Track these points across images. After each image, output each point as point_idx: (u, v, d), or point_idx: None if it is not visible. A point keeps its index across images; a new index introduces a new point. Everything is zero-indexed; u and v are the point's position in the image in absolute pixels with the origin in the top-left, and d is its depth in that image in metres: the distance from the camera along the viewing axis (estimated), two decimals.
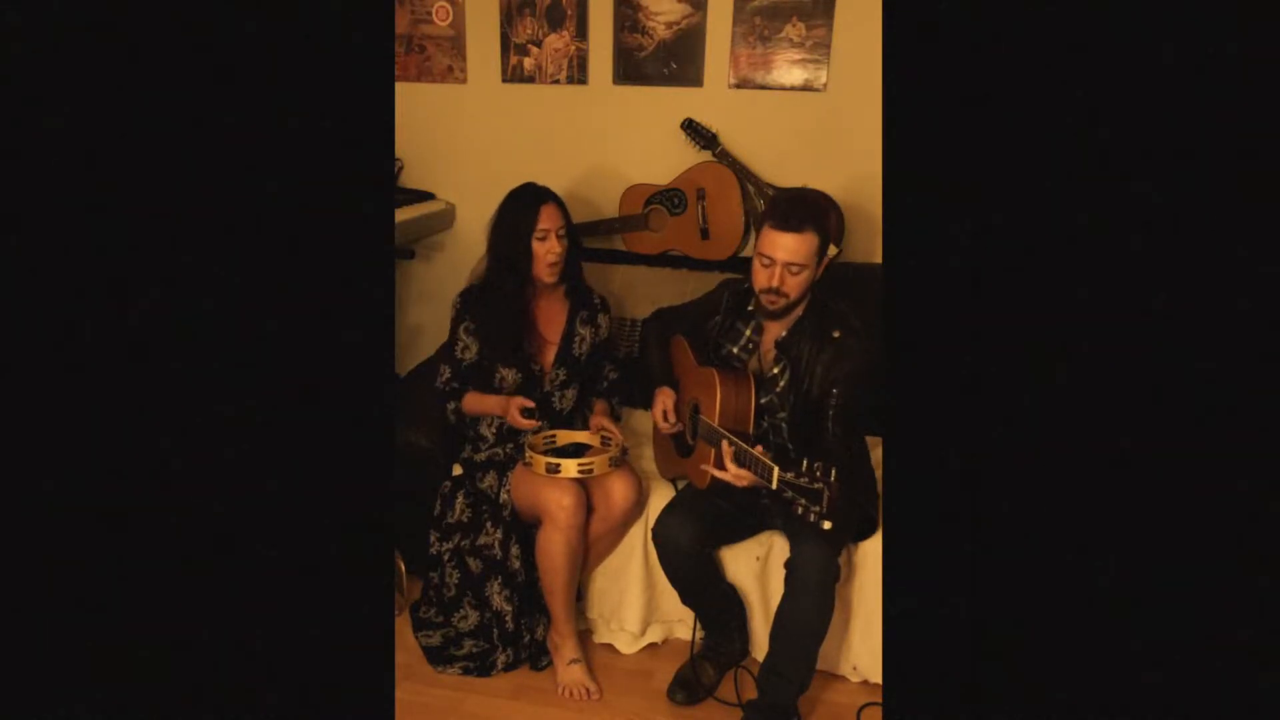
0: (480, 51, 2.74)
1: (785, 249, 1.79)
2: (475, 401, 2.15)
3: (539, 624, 2.13)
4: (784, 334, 1.91)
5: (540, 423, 2.08)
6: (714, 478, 1.87)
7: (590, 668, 2.09)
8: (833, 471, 1.54)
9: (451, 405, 2.16)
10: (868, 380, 1.83)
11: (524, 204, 2.07)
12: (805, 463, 1.57)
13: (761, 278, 1.83)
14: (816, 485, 1.54)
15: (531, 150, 2.76)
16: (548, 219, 2.05)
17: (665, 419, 2.03)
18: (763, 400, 1.90)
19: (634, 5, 2.59)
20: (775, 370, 1.91)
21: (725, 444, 1.73)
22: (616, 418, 2.31)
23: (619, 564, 2.15)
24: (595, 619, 2.23)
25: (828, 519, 1.53)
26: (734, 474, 1.72)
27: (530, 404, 2.04)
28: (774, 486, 1.62)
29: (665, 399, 2.04)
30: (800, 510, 1.56)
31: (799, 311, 1.90)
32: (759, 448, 1.69)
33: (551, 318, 2.20)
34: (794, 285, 1.82)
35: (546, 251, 2.05)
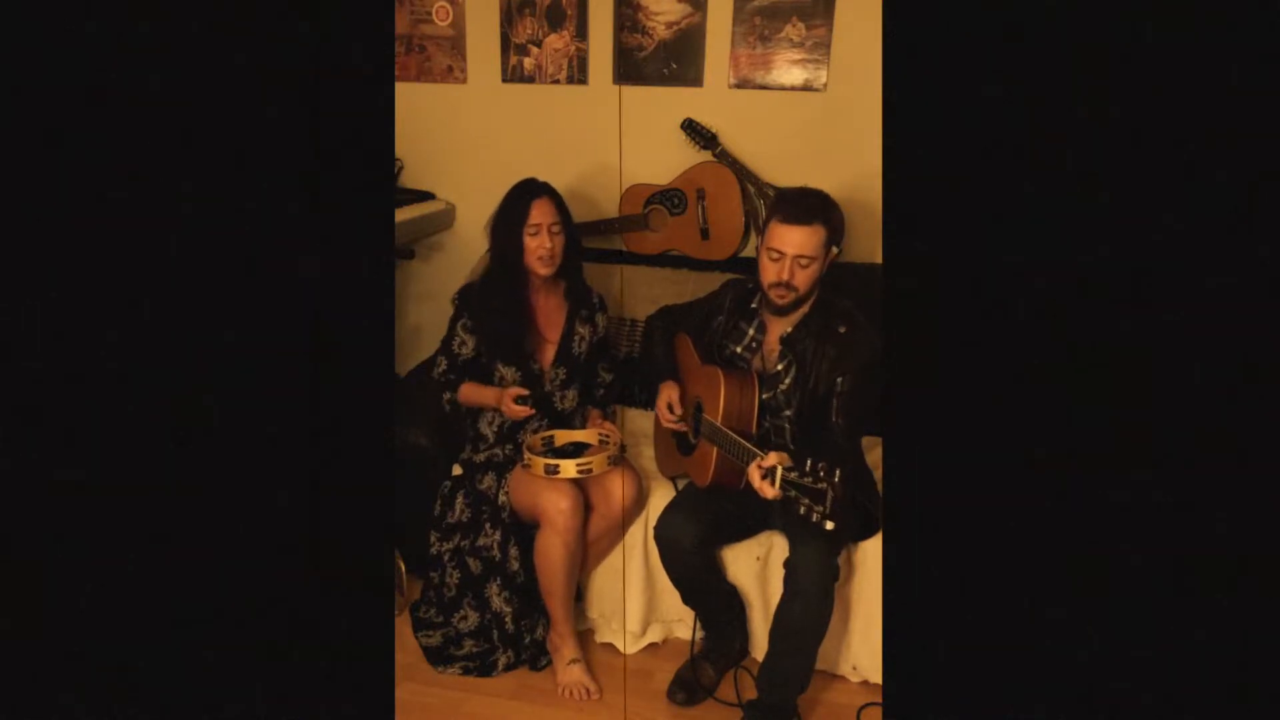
0: (480, 51, 2.74)
1: (794, 243, 1.79)
2: (471, 392, 2.15)
3: (538, 624, 2.13)
4: (789, 330, 1.91)
5: (535, 411, 2.08)
6: (714, 476, 1.87)
7: (590, 668, 2.09)
8: (837, 472, 1.53)
9: (447, 395, 2.16)
10: (872, 374, 1.83)
11: (517, 198, 2.08)
12: (809, 463, 1.57)
13: (770, 272, 1.83)
14: (820, 485, 1.53)
15: (531, 150, 2.76)
16: (539, 213, 2.05)
17: (670, 411, 2.02)
18: (765, 396, 1.90)
19: (634, 5, 2.58)
20: (779, 367, 1.91)
21: (754, 468, 1.68)
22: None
23: (619, 564, 2.15)
24: (595, 619, 2.23)
25: (831, 519, 1.52)
26: (772, 493, 1.65)
27: (524, 392, 2.04)
28: (777, 487, 1.61)
29: (670, 391, 2.04)
30: (803, 510, 1.55)
31: (805, 308, 1.90)
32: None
33: (550, 316, 2.20)
34: (803, 279, 1.82)
35: (537, 246, 2.05)
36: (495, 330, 2.12)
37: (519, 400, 2.02)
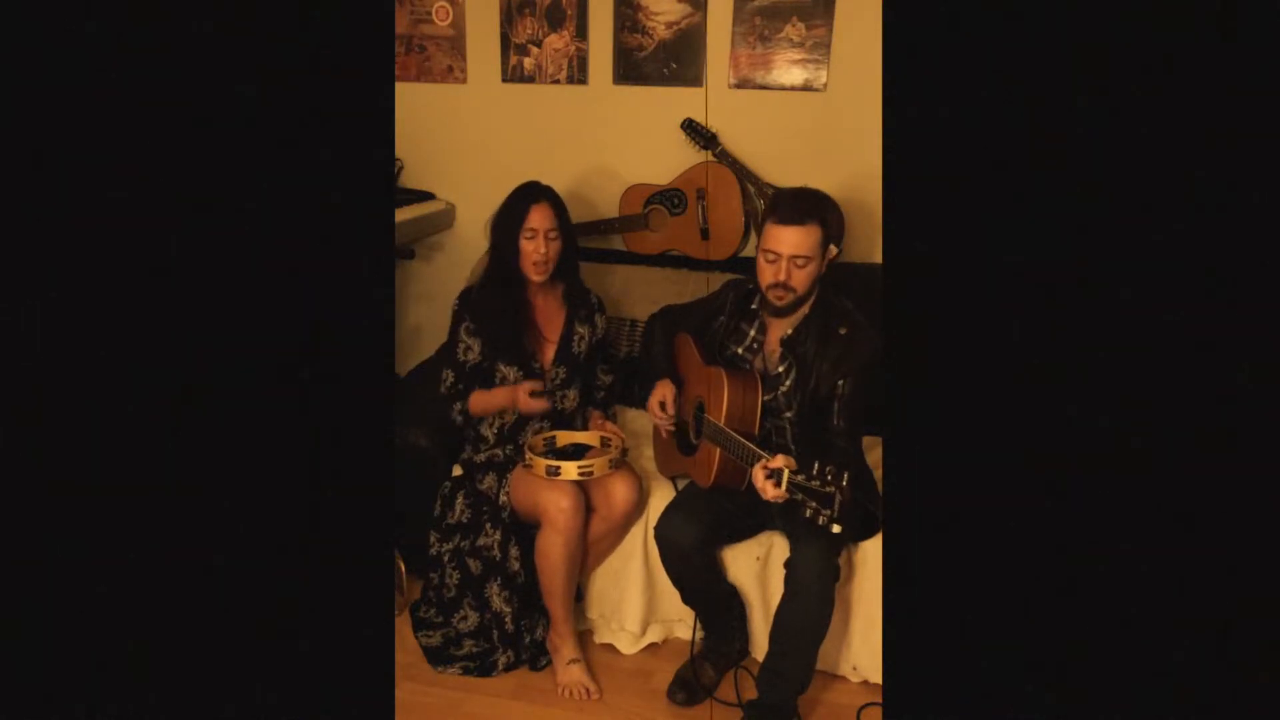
0: (480, 51, 2.74)
1: (789, 243, 1.79)
2: (481, 399, 2.14)
3: (538, 624, 2.13)
4: (789, 332, 1.91)
5: (550, 402, 2.07)
6: (717, 477, 1.87)
7: (590, 668, 2.09)
8: (845, 476, 1.53)
9: (458, 406, 2.15)
10: (873, 375, 1.83)
11: (517, 202, 2.08)
12: (816, 465, 1.56)
13: (768, 274, 1.84)
14: (828, 489, 1.53)
15: (531, 150, 2.76)
16: (537, 219, 2.05)
17: (662, 410, 2.02)
18: (766, 399, 1.90)
19: (634, 5, 2.58)
20: (780, 369, 1.91)
21: (759, 469, 1.67)
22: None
23: (619, 564, 2.15)
24: (595, 619, 2.23)
25: (838, 523, 1.52)
26: (774, 495, 1.64)
27: (538, 385, 2.04)
28: (783, 489, 1.61)
29: (665, 390, 2.03)
30: (809, 514, 1.55)
31: (805, 309, 1.90)
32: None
33: (550, 317, 2.21)
34: (800, 279, 1.82)
35: (533, 250, 2.06)
36: (496, 328, 2.12)
37: (533, 394, 2.02)
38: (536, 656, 2.13)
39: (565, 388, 2.20)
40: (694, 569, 1.98)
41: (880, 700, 1.99)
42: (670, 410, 2.02)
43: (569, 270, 2.19)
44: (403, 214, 2.64)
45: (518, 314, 2.14)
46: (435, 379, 2.20)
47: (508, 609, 2.08)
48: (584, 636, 2.19)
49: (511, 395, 2.07)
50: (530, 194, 2.08)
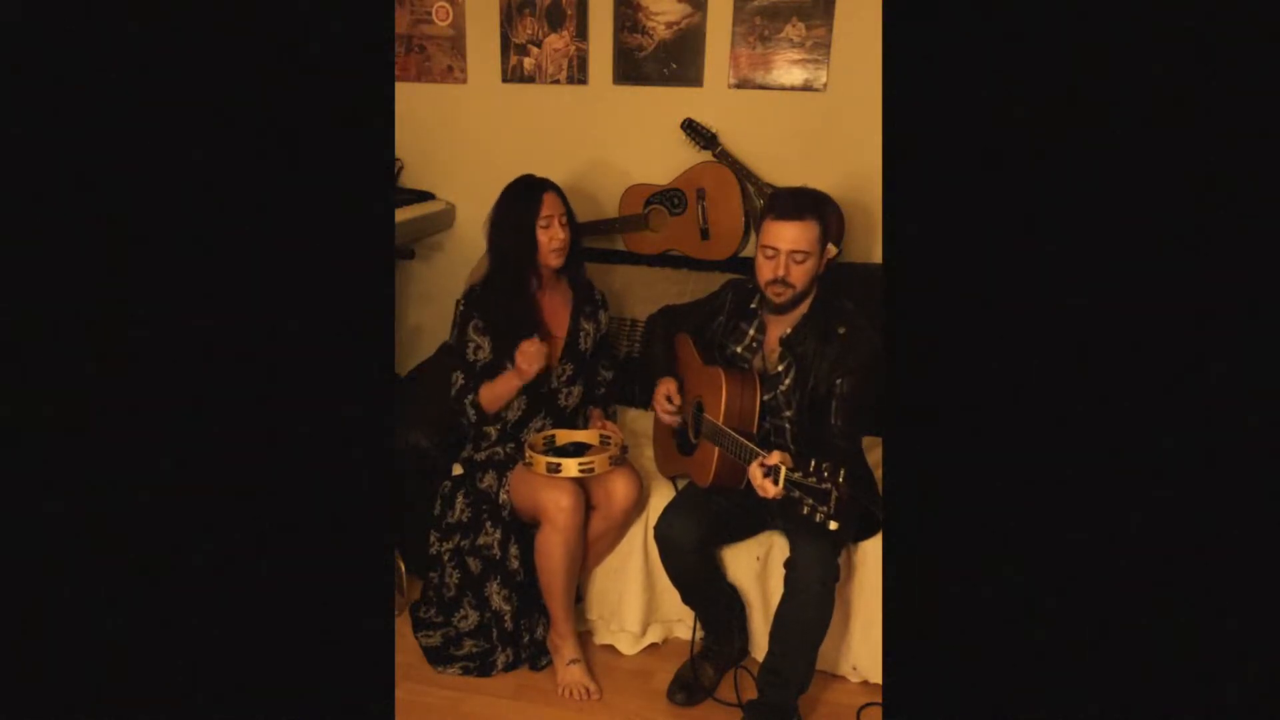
0: (480, 51, 2.74)
1: (788, 238, 1.80)
2: (490, 392, 2.11)
3: (538, 624, 2.13)
4: (789, 331, 1.91)
5: (546, 344, 2.05)
6: (715, 476, 1.87)
7: (590, 668, 2.09)
8: (841, 472, 1.53)
9: (470, 398, 2.11)
10: (872, 376, 1.84)
11: (525, 193, 2.08)
12: (813, 463, 1.57)
13: (766, 270, 1.84)
14: (824, 486, 1.53)
15: (531, 150, 2.76)
16: (550, 206, 2.06)
17: (669, 402, 2.02)
18: (765, 398, 1.90)
19: (634, 5, 2.59)
20: (780, 368, 1.91)
21: (756, 466, 1.67)
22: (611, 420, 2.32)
23: (619, 564, 2.15)
24: (595, 620, 2.23)
25: (835, 520, 1.52)
26: (774, 492, 1.64)
27: (533, 339, 2.02)
28: (780, 486, 1.61)
29: (668, 385, 2.04)
30: (807, 511, 1.55)
31: (804, 308, 1.90)
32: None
33: (556, 311, 2.21)
34: (799, 275, 1.83)
35: (551, 238, 2.07)
36: (506, 326, 2.11)
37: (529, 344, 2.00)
38: (537, 656, 2.13)
39: (570, 384, 2.20)
40: (694, 569, 1.98)
41: (880, 700, 1.99)
42: (677, 401, 2.02)
43: (575, 263, 2.19)
44: (403, 214, 2.64)
45: (529, 311, 2.14)
46: (443, 384, 2.17)
47: (507, 607, 2.08)
48: (584, 637, 2.19)
49: (515, 372, 2.03)
50: (538, 183, 2.09)
